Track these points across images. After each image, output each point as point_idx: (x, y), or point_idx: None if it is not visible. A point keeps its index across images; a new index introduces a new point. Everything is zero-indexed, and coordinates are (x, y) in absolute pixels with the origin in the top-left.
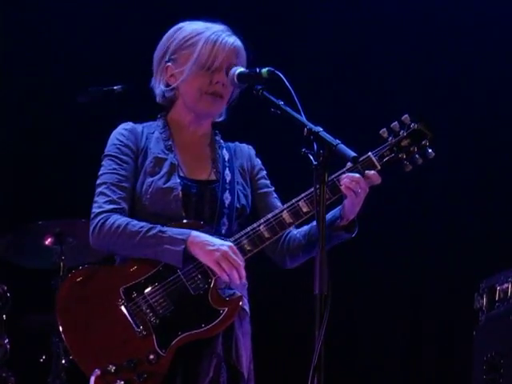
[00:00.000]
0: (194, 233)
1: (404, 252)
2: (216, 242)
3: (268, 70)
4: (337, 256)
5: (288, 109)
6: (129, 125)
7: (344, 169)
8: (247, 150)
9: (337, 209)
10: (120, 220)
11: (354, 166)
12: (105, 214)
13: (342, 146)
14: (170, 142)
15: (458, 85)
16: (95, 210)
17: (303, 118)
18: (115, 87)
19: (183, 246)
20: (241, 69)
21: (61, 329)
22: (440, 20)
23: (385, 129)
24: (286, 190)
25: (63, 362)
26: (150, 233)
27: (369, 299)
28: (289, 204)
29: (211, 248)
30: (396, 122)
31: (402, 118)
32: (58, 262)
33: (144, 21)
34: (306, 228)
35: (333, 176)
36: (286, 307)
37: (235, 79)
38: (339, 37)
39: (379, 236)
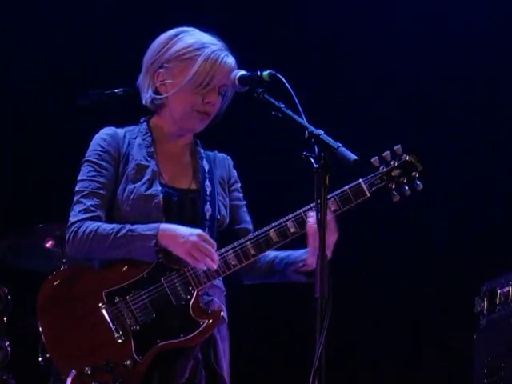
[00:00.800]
0: (163, 225)
1: (405, 255)
2: (185, 232)
3: (269, 73)
4: (337, 259)
5: (289, 112)
6: (111, 130)
7: (335, 193)
8: (226, 160)
9: (303, 251)
10: (91, 226)
11: (356, 164)
12: (78, 223)
13: (343, 149)
14: (151, 149)
15: (459, 85)
16: (70, 219)
17: (304, 121)
18: (116, 90)
19: (154, 241)
20: (242, 72)
21: (40, 328)
22: (441, 20)
23: (377, 157)
24: (286, 193)
25: (40, 359)
26: (121, 233)
27: (369, 302)
28: (277, 223)
29: (181, 240)
30: (388, 152)
31: (395, 148)
32: (58, 265)
33: (146, 23)
34: (271, 256)
35: (301, 210)
36: (286, 311)
37: (236, 82)
38: (340, 39)
39: (380, 239)
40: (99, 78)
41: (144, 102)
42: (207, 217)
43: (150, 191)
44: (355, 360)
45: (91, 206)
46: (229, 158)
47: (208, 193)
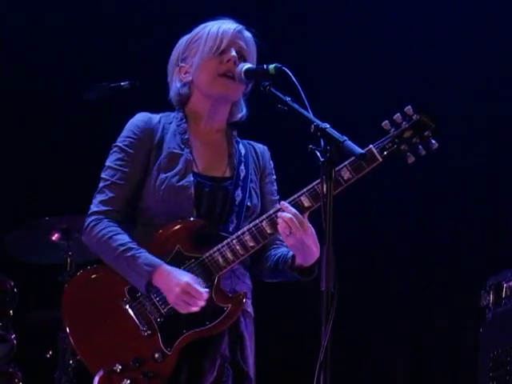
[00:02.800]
0: (163, 267)
1: (411, 248)
2: (172, 281)
3: (275, 67)
4: (343, 252)
5: (295, 105)
6: (146, 116)
7: (346, 162)
8: (263, 149)
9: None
10: (106, 229)
11: (362, 157)
12: (97, 216)
13: (349, 143)
14: (186, 136)
15: (466, 80)
16: (92, 208)
17: (310, 115)
18: (122, 83)
19: (147, 279)
20: (248, 65)
21: (68, 330)
22: (443, 15)
23: (387, 121)
24: (292, 186)
25: (71, 362)
26: (125, 254)
27: (374, 296)
28: (290, 199)
29: (169, 290)
30: (398, 114)
31: (405, 109)
32: (64, 258)
33: (151, 16)
34: (278, 254)
35: (314, 183)
36: (293, 305)
37: (242, 75)
38: (345, 32)
39: (386, 233)
40: (105, 71)
41: (175, 103)
42: (236, 202)
43: (181, 182)
44: (361, 352)
45: (112, 198)
46: (266, 148)
47: (241, 177)
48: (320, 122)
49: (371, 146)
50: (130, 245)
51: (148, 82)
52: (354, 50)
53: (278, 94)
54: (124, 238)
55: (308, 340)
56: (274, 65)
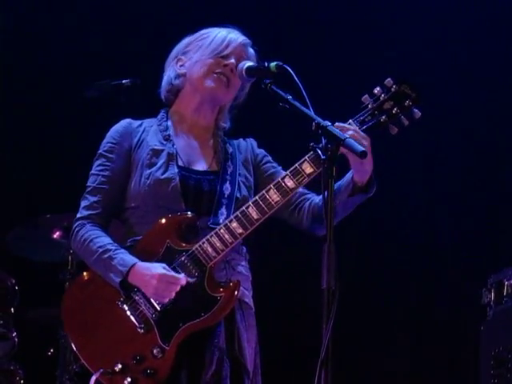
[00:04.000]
0: (137, 265)
1: (412, 247)
2: (146, 274)
3: (276, 64)
4: (344, 250)
5: (296, 103)
6: (126, 121)
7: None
8: (249, 143)
9: (349, 172)
10: (87, 233)
11: (364, 155)
12: (80, 222)
13: (350, 141)
14: (167, 133)
15: (467, 78)
16: (77, 215)
17: (311, 113)
18: (124, 81)
19: (120, 279)
20: (250, 63)
21: (68, 334)
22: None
23: (367, 95)
24: None
25: (74, 367)
26: (103, 256)
27: (376, 293)
28: (274, 182)
29: (145, 284)
30: (378, 87)
31: (385, 81)
32: (66, 256)
33: (154, 15)
34: (319, 197)
35: (297, 163)
36: (295, 302)
37: (244, 73)
38: (348, 29)
39: (388, 231)
40: (106, 68)
41: (162, 95)
42: (225, 195)
43: (166, 175)
44: (362, 349)
45: (94, 202)
46: (252, 139)
47: (229, 173)
48: (321, 120)
49: (350, 120)
50: (109, 246)
51: (150, 81)
52: (357, 48)
53: (280, 91)
54: (103, 240)
55: (309, 338)
56: (275, 63)
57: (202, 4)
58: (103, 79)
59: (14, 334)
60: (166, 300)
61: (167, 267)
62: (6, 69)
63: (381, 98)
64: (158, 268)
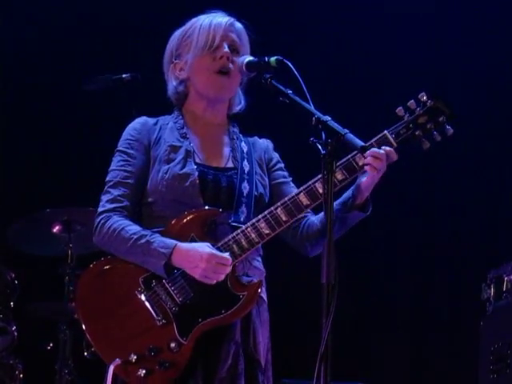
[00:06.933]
0: (179, 245)
1: (411, 243)
2: (195, 256)
3: (276, 59)
4: (344, 245)
5: (296, 98)
6: (142, 119)
7: (357, 151)
8: (265, 143)
9: (349, 190)
10: (117, 223)
11: (364, 150)
12: (105, 214)
13: (350, 135)
14: (184, 130)
15: (468, 78)
16: (99, 209)
17: (311, 107)
18: (124, 75)
19: (164, 261)
20: (250, 57)
21: (82, 321)
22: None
23: (401, 107)
24: (293, 179)
25: (85, 354)
26: (139, 242)
27: (376, 289)
28: (305, 186)
29: (193, 265)
30: (412, 101)
31: (419, 96)
32: (65, 250)
33: (152, 8)
34: (321, 214)
35: (349, 156)
36: (301, 296)
37: (244, 68)
38: (348, 23)
39: (387, 226)
40: (106, 63)
41: (173, 101)
42: (244, 194)
43: (184, 170)
44: (362, 344)
45: (118, 195)
46: (269, 141)
47: (246, 171)
48: (321, 115)
49: (386, 131)
50: (143, 232)
51: (150, 75)
52: (356, 43)
53: (280, 86)
54: (136, 227)
55: (309, 333)
56: (275, 57)
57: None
58: (103, 73)
59: (14, 328)
60: (214, 282)
61: (211, 246)
62: (4, 64)
63: (416, 112)
64: (205, 247)
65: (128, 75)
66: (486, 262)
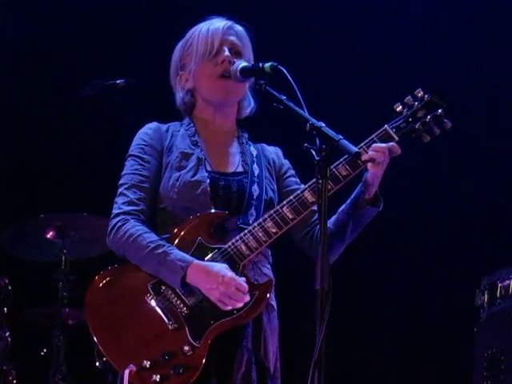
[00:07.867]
0: (196, 262)
1: (406, 248)
2: (216, 277)
3: (271, 65)
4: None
5: (290, 104)
6: (154, 124)
7: (362, 143)
8: (275, 149)
9: (358, 187)
10: (134, 228)
11: (358, 156)
12: (122, 217)
13: (344, 142)
14: (195, 138)
15: (466, 76)
16: (114, 211)
17: (306, 113)
18: (118, 81)
19: (181, 276)
20: (243, 63)
21: (92, 333)
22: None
23: (399, 103)
24: None
25: (97, 364)
26: (156, 251)
27: (369, 295)
28: (310, 183)
29: (211, 286)
30: (409, 96)
31: (415, 92)
32: (59, 256)
33: (149, 14)
34: (333, 217)
35: (341, 159)
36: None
37: (238, 73)
38: (344, 29)
39: (381, 232)
40: (100, 68)
41: (183, 112)
42: (254, 196)
43: (196, 177)
44: (355, 351)
45: (135, 199)
46: (278, 148)
47: (256, 175)
48: (315, 121)
49: (386, 125)
50: (161, 242)
51: (144, 81)
52: (351, 48)
53: (274, 92)
54: (153, 236)
55: (302, 339)
56: (269, 63)
57: (199, 3)
58: (98, 79)
59: (7, 334)
60: (229, 308)
61: (229, 268)
62: (1, 68)
63: (414, 106)
64: (225, 269)
65: (122, 81)
66: (480, 268)
